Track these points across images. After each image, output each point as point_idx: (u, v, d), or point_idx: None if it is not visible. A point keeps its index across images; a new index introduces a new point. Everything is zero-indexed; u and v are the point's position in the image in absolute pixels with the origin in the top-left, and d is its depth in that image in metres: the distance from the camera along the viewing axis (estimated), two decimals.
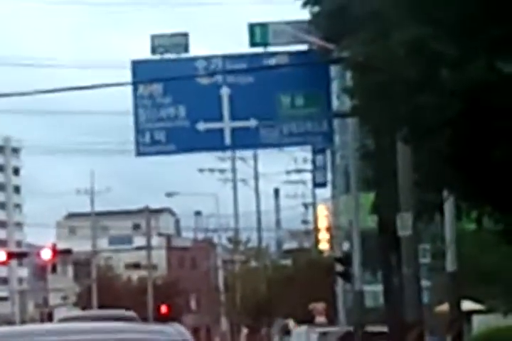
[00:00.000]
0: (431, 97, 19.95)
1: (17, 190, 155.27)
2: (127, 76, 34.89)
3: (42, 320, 77.13)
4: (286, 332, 76.04)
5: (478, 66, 18.80)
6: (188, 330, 6.50)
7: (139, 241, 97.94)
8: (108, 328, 6.93)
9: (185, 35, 33.38)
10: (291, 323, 76.09)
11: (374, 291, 43.56)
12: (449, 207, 26.34)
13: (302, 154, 70.73)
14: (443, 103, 20.11)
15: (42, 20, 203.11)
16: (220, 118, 33.58)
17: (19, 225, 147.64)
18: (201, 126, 33.26)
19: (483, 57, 18.92)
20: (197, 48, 33.34)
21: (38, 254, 69.40)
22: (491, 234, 26.63)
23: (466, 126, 20.14)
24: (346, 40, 29.95)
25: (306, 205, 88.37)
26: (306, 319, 69.48)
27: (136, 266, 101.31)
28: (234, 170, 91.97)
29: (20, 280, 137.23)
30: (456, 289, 28.02)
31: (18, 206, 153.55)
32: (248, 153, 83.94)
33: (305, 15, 33.51)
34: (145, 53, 33.59)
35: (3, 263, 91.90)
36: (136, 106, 33.68)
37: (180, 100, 33.37)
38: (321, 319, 68.50)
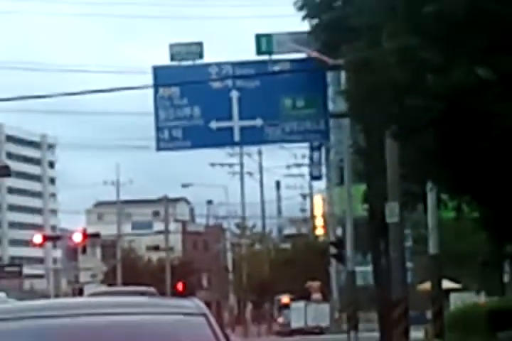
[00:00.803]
0: (417, 99, 19.78)
1: (52, 181, 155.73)
2: (145, 80, 34.58)
3: (73, 295, 77.07)
4: (280, 306, 76.69)
5: (459, 72, 18.64)
6: None
7: (158, 226, 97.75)
8: (133, 302, 6.73)
9: (200, 44, 33.08)
10: (284, 299, 76.57)
11: (364, 271, 43.27)
12: (431, 198, 26.09)
13: (301, 151, 70.46)
14: (427, 105, 19.94)
15: (72, 32, 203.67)
16: (230, 118, 33.26)
17: (54, 212, 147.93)
18: (213, 124, 32.96)
19: (464, 64, 18.73)
20: (210, 56, 33.27)
21: (70, 237, 69.37)
22: (468, 221, 26.51)
23: (447, 126, 19.97)
24: (342, 49, 29.56)
25: (304, 196, 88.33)
26: (304, 295, 69.60)
27: (156, 248, 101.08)
28: (241, 164, 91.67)
29: (55, 261, 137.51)
30: (437, 270, 27.87)
31: (53, 195, 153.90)
32: (254, 149, 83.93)
33: (305, 26, 33.35)
34: (162, 60, 33.57)
35: (40, 245, 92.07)
36: (156, 107, 33.45)
37: (195, 102, 33.09)
38: (316, 296, 68.53)
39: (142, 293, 29.53)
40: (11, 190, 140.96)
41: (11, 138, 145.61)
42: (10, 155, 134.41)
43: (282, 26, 38.74)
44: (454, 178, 21.67)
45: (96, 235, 73.24)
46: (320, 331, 61.12)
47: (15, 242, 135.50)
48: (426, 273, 36.19)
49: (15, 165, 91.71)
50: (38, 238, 70.24)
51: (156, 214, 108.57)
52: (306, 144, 51.45)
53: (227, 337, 5.52)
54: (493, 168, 19.37)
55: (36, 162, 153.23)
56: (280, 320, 74.02)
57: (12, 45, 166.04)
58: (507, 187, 19.77)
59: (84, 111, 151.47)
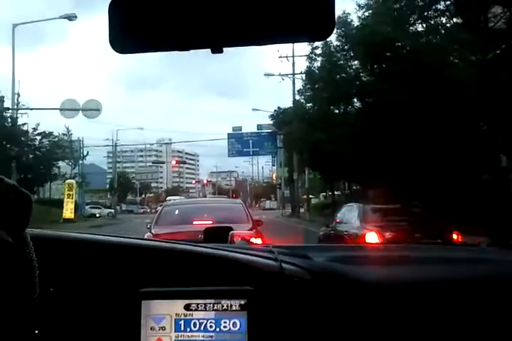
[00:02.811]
0: (306, 145, 21.33)
1: None
2: None
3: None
4: (260, 200, 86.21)
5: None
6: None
7: None
8: (224, 199, 10.51)
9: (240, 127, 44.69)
10: (262, 199, 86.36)
11: (287, 192, 44.96)
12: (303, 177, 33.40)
13: (269, 157, 68.74)
14: (309, 147, 21.03)
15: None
16: (249, 150, 41.64)
17: None
18: (245, 150, 41.46)
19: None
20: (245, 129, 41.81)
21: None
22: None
23: (317, 152, 20.49)
24: (283, 128, 32.89)
25: (270, 171, 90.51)
26: (269, 198, 78.81)
27: None
28: (252, 164, 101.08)
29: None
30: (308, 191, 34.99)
31: None
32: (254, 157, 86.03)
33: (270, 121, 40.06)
34: None
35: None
36: (228, 144, 41.44)
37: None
38: (273, 198, 75.42)
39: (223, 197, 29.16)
40: None
41: None
42: None
43: (266, 119, 44.01)
44: (319, 168, 25.38)
45: None
46: (274, 208, 63.95)
47: None
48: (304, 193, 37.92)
49: None
50: None
51: None
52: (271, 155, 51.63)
53: (248, 210, 7.93)
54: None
55: None
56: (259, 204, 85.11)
57: None
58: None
59: None
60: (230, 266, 1.16)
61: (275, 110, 39.72)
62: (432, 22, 14.55)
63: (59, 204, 32.13)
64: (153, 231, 7.51)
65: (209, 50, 0.97)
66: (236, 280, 1.10)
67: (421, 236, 8.32)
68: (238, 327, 1.09)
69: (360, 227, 9.07)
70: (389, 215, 9.45)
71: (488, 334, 1.17)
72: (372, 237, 8.50)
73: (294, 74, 32.93)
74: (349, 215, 9.91)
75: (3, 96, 25.51)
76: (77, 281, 1.13)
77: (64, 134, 33.20)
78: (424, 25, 14.73)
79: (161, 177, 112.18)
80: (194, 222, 7.18)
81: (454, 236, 8.82)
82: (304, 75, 20.76)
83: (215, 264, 1.16)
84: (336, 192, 31.44)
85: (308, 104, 20.91)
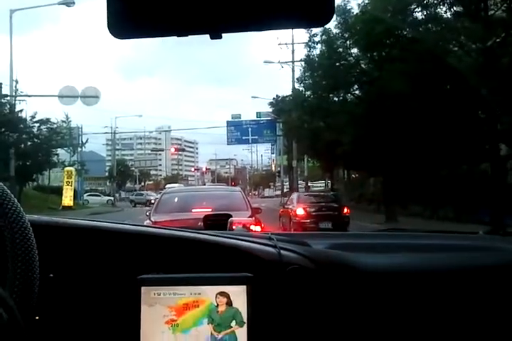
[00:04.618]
0: (306, 132, 22.29)
1: None
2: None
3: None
4: (259, 189, 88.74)
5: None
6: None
7: None
8: (222, 187, 10.93)
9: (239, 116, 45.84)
10: (261, 188, 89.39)
11: (286, 180, 45.16)
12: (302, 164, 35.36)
13: (268, 145, 71.54)
14: (307, 134, 22.19)
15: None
16: (248, 138, 42.22)
17: None
18: (244, 137, 42.21)
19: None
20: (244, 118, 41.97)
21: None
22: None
23: (315, 138, 21.67)
24: (282, 116, 33.95)
25: (269, 159, 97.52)
26: (269, 186, 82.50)
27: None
28: (251, 152, 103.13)
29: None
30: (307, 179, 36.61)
31: None
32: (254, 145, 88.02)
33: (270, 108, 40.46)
34: None
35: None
36: (227, 131, 42.55)
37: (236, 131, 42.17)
38: (272, 187, 77.79)
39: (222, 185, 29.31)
40: None
41: None
42: None
43: (265, 107, 47.41)
44: (317, 156, 26.92)
45: None
46: (273, 196, 69.05)
47: None
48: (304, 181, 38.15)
49: None
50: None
51: None
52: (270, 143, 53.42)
53: (247, 197, 8.06)
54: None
55: None
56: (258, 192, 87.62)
57: None
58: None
59: None
60: (229, 253, 1.15)
61: (274, 98, 39.81)
62: (432, 10, 14.61)
63: (58, 191, 32.07)
64: (152, 218, 7.50)
65: (208, 35, 0.96)
66: (235, 267, 1.10)
67: (326, 210, 14.64)
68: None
69: (295, 205, 15.09)
70: (313, 198, 15.74)
71: (488, 322, 1.18)
72: (300, 211, 14.69)
73: (293, 61, 32.95)
74: (293, 199, 15.99)
75: (0, 83, 25.55)
76: (77, 267, 1.13)
77: (63, 121, 33.16)
78: (424, 12, 14.82)
79: (160, 165, 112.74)
80: (193, 210, 7.15)
81: (345, 210, 15.07)
82: (303, 63, 21.09)
83: (214, 251, 1.16)
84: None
85: (307, 92, 21.23)
